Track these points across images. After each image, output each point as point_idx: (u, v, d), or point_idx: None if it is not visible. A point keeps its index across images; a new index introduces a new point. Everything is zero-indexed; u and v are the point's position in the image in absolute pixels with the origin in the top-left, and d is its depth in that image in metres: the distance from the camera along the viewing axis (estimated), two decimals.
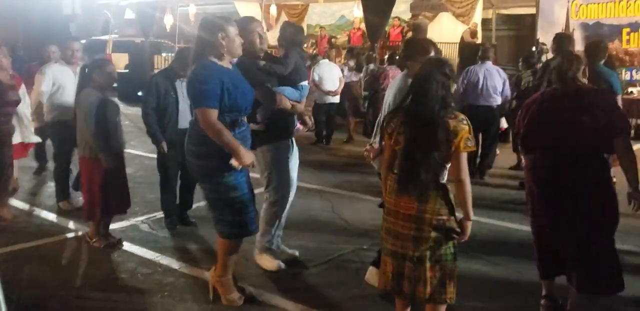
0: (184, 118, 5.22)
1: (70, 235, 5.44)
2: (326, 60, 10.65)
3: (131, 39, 18.54)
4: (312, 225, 5.76)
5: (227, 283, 4.01)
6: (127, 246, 5.11)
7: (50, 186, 6.68)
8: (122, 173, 5.08)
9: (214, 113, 3.60)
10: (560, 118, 3.69)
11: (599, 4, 11.31)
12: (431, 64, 3.28)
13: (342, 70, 10.82)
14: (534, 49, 10.16)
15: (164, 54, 18.22)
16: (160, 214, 5.77)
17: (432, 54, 3.90)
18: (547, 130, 3.75)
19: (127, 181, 5.18)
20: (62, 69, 5.95)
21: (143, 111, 5.28)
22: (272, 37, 18.31)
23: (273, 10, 17.70)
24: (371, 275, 4.31)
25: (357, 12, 14.92)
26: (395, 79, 4.18)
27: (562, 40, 7.16)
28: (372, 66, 10.60)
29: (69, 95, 5.68)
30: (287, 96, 4.47)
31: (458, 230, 3.19)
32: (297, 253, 4.86)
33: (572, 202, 3.64)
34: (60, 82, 5.87)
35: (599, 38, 10.82)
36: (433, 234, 3.17)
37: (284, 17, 19.09)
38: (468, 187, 3.15)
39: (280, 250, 4.75)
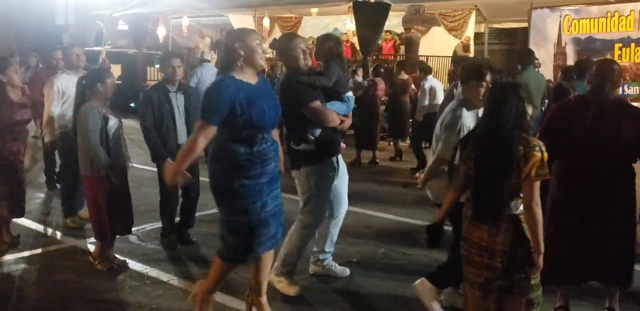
0: (182, 134, 5.11)
1: (58, 246, 5.36)
2: None
3: (124, 50, 18.53)
4: None
5: (209, 300, 3.86)
6: (116, 257, 5.04)
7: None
8: (126, 191, 4.83)
9: (207, 129, 3.46)
10: (586, 127, 3.84)
11: (590, 18, 11.38)
12: (506, 87, 3.20)
13: None
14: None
15: (156, 66, 18.20)
16: (149, 226, 5.72)
17: (488, 77, 3.83)
18: (573, 138, 3.88)
19: (130, 199, 4.91)
20: (68, 78, 5.69)
21: (143, 128, 5.11)
22: (265, 49, 18.33)
23: (266, 22, 17.73)
24: (422, 285, 4.04)
25: (350, 25, 14.96)
26: (449, 105, 4.10)
27: (527, 55, 7.65)
28: (359, 79, 10.65)
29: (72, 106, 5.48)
30: (336, 111, 4.29)
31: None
32: (347, 271, 4.75)
33: (603, 204, 3.82)
34: (69, 93, 5.60)
35: (591, 52, 10.95)
36: (505, 266, 3.08)
37: (276, 30, 19.13)
38: (538, 217, 3.02)
39: (329, 268, 4.67)
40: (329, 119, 4.21)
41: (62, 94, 5.69)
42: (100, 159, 4.50)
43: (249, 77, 3.59)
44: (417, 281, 4.01)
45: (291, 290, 4.34)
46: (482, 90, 3.83)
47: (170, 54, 5.45)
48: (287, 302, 4.24)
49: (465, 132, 3.72)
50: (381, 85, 10.02)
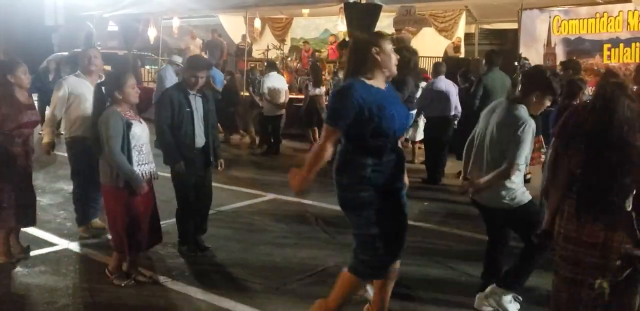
0: (200, 137, 5.01)
1: (52, 249, 5.34)
2: (275, 73, 10.75)
3: (114, 51, 18.48)
4: (296, 238, 5.73)
5: None
6: (109, 259, 5.04)
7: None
8: (151, 202, 4.56)
9: (334, 134, 3.33)
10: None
11: (580, 19, 11.46)
12: (614, 86, 3.15)
13: (307, 84, 11.17)
14: (516, 63, 10.30)
15: (147, 67, 18.14)
16: None
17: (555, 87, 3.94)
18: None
19: (157, 210, 4.67)
20: (78, 80, 5.55)
21: (158, 128, 4.95)
22: (256, 50, 18.35)
23: (257, 23, 17.70)
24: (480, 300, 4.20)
25: (341, 27, 14.97)
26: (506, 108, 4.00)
27: (493, 56, 8.21)
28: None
29: (86, 109, 5.29)
30: None
31: None
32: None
33: None
34: (76, 94, 5.47)
35: (580, 53, 11.04)
36: (619, 263, 3.06)
37: (267, 31, 19.14)
38: None
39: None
40: None
41: (68, 96, 5.48)
42: (121, 167, 4.27)
43: (379, 82, 3.46)
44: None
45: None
46: (548, 103, 3.96)
47: (199, 63, 5.14)
48: (280, 303, 4.25)
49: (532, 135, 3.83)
50: None
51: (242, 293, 4.44)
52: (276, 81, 10.62)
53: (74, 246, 5.42)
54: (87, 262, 5.05)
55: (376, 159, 3.40)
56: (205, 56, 17.24)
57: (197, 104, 5.02)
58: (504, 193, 3.96)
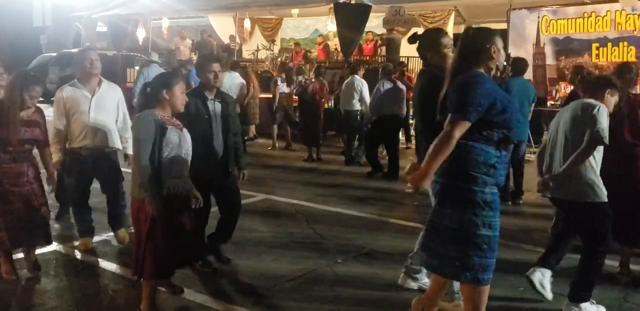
0: (218, 144, 4.74)
1: (39, 251, 5.30)
2: (231, 72, 10.73)
3: (103, 52, 18.40)
4: (287, 239, 5.72)
5: None
6: (99, 261, 5.04)
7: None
8: (188, 221, 4.04)
9: (463, 125, 3.14)
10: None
11: (568, 19, 11.54)
12: None
13: (276, 82, 11.30)
14: (505, 63, 10.35)
15: (136, 68, 18.09)
16: (131, 228, 5.69)
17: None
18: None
19: (189, 231, 4.07)
20: (73, 90, 5.17)
21: None
22: (246, 51, 18.29)
23: (247, 23, 17.69)
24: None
25: (331, 27, 15.00)
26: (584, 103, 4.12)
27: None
28: (300, 78, 11.09)
29: (82, 122, 5.13)
30: None
31: None
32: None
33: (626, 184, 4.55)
34: (73, 106, 5.14)
35: (569, 52, 11.12)
36: None
37: (257, 31, 19.12)
38: None
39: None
40: None
41: (66, 108, 5.13)
42: (142, 177, 3.75)
43: None
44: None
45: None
46: (616, 100, 4.22)
47: (209, 58, 4.94)
48: (271, 305, 4.25)
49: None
50: (321, 85, 10.40)
51: (232, 294, 4.42)
52: (229, 79, 10.57)
53: (62, 248, 5.37)
54: (76, 264, 5.02)
55: (498, 151, 3.26)
56: (195, 56, 17.26)
57: (215, 110, 4.76)
58: (586, 186, 4.02)
